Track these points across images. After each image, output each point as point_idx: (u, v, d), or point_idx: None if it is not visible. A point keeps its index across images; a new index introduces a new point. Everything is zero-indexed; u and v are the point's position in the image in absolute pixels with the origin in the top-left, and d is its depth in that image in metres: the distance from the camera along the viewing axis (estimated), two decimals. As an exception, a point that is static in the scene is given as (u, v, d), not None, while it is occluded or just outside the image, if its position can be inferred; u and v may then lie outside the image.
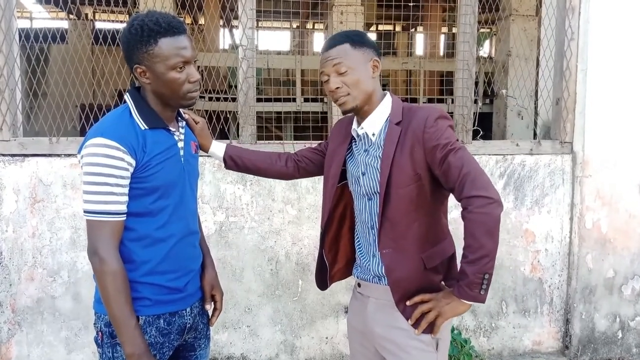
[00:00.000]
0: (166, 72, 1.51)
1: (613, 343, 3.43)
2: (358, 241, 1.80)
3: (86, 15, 11.46)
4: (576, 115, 3.34)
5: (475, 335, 3.36)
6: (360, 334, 1.81)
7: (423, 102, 7.39)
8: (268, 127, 7.04)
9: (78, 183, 2.88)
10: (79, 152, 1.50)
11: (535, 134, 4.09)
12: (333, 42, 1.68)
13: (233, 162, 1.99)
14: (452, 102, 6.36)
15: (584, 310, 3.38)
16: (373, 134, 1.70)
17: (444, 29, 11.06)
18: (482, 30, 10.09)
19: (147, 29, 1.47)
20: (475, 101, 3.49)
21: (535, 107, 3.77)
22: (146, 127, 1.53)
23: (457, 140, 1.62)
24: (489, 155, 3.30)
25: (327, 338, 3.20)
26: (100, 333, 1.59)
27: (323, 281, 1.90)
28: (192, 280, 1.71)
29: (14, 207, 2.90)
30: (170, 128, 1.60)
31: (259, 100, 6.92)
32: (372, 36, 10.99)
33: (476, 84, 6.73)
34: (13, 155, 2.89)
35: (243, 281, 3.14)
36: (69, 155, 2.91)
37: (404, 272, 1.64)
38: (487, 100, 7.23)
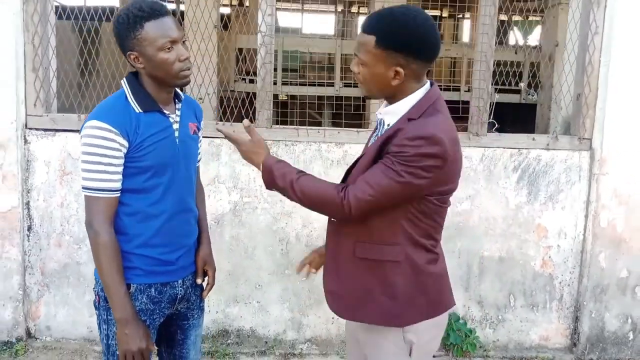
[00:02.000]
0: (156, 53, 1.62)
1: (623, 344, 3.39)
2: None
3: (136, -7, 11.81)
4: (597, 112, 3.29)
5: (481, 326, 3.40)
6: (348, 324, 1.88)
7: (465, 91, 7.27)
8: (306, 111, 7.16)
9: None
10: (80, 132, 1.65)
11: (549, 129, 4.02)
12: (366, 24, 1.57)
13: None
14: (496, 91, 6.26)
15: (594, 308, 3.36)
16: (388, 125, 1.63)
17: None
18: (531, 18, 9.80)
19: (132, 15, 1.59)
20: (496, 90, 3.46)
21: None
22: (140, 110, 1.66)
23: (414, 170, 1.50)
24: (504, 148, 3.29)
25: (333, 318, 3.30)
26: (97, 297, 1.75)
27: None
28: (184, 254, 1.84)
29: (45, 178, 3.13)
30: (165, 110, 1.72)
31: (302, 84, 7.02)
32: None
33: (521, 74, 6.62)
34: (45, 130, 3.11)
35: (254, 259, 3.28)
36: (96, 132, 3.10)
37: (335, 252, 1.69)
38: (534, 91, 7.06)
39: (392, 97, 1.63)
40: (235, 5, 9.43)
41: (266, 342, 3.31)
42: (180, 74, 1.66)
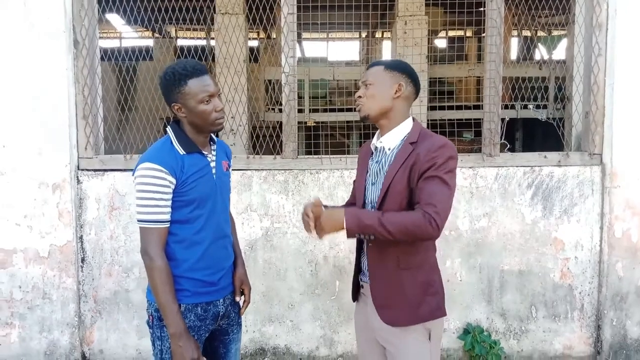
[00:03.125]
0: (197, 105, 1.92)
1: (647, 350, 3.50)
2: (364, 249, 2.06)
3: (169, 33, 12.44)
4: (605, 128, 3.46)
5: (505, 337, 3.55)
6: (364, 330, 2.11)
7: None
8: (334, 135, 7.43)
9: (146, 194, 3.39)
10: (133, 174, 1.94)
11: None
12: (372, 64, 2.03)
13: None
14: (523, 107, 6.38)
15: (614, 317, 3.48)
16: (389, 149, 1.99)
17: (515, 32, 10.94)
18: (555, 33, 9.93)
19: (178, 73, 1.90)
20: (523, 107, 3.64)
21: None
22: (184, 152, 1.95)
23: (451, 173, 1.85)
24: (517, 167, 3.49)
25: (362, 334, 3.52)
26: (151, 317, 2.02)
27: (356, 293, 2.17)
28: (224, 276, 2.10)
29: (96, 214, 3.46)
30: (204, 151, 2.01)
31: (332, 110, 7.27)
32: (442, 42, 11.06)
33: (547, 88, 6.76)
34: (95, 170, 3.45)
35: (286, 280, 3.52)
36: (139, 170, 3.43)
37: (380, 268, 1.93)
38: (561, 106, 7.18)
39: (386, 119, 1.97)
40: (263, 38, 9.88)
41: (300, 359, 3.53)
42: (216, 122, 1.96)
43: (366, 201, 2.03)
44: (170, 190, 1.91)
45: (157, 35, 11.87)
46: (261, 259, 3.50)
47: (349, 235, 1.83)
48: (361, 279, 2.10)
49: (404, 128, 1.99)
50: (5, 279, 3.40)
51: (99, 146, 3.53)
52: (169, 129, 2.00)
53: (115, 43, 12.76)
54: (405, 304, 1.92)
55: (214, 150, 2.09)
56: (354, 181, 2.22)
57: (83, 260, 3.48)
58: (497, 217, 3.50)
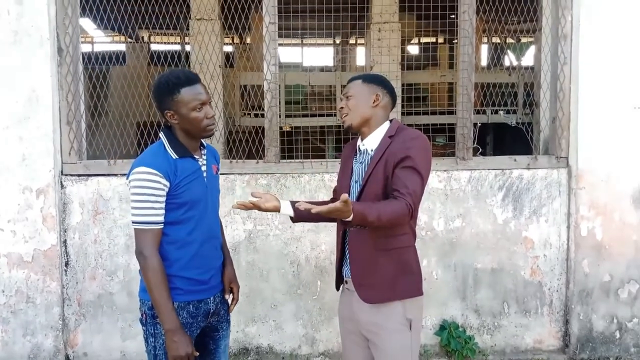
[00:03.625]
0: (189, 113, 2.01)
1: (611, 342, 3.69)
2: (347, 242, 2.19)
3: (142, 38, 12.40)
4: (570, 133, 3.66)
5: (479, 333, 3.71)
6: (348, 321, 2.23)
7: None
8: (310, 140, 7.54)
9: (131, 198, 3.45)
10: (127, 177, 2.02)
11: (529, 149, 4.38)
12: (352, 78, 2.21)
13: (301, 218, 2.29)
14: (493, 113, 6.58)
15: (581, 311, 3.67)
16: (371, 149, 2.15)
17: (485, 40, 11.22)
18: (524, 40, 10.24)
19: (171, 82, 1.99)
20: (494, 112, 3.83)
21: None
22: (176, 157, 2.04)
23: (424, 162, 2.03)
24: (488, 170, 3.66)
25: (343, 332, 3.63)
26: (144, 315, 2.10)
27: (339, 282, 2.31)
28: (214, 275, 2.20)
29: (80, 219, 3.50)
30: (195, 156, 2.11)
31: (304, 115, 7.37)
32: (414, 49, 11.31)
33: (516, 94, 6.99)
34: (79, 175, 3.49)
35: (269, 281, 3.62)
36: (124, 174, 3.48)
37: (359, 251, 2.08)
38: (529, 111, 7.41)
39: (367, 126, 2.15)
40: (238, 44, 9.94)
41: (283, 358, 3.63)
42: (207, 128, 2.06)
43: (353, 196, 2.16)
44: (164, 193, 2.00)
45: (130, 40, 11.82)
46: (244, 260, 3.59)
47: (346, 225, 2.00)
48: (345, 274, 2.22)
49: (383, 129, 2.16)
50: (-11, 283, 3.42)
51: (83, 151, 3.57)
52: (161, 135, 2.09)
53: (87, 48, 12.66)
54: (382, 282, 2.07)
55: (204, 155, 2.18)
56: (337, 179, 2.35)
57: (67, 264, 3.52)
58: (471, 217, 3.67)
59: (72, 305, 3.54)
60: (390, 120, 2.20)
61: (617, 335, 3.69)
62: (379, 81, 2.19)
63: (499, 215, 3.67)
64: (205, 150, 2.20)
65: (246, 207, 2.16)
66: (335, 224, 2.33)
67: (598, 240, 3.64)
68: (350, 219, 1.87)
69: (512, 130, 4.96)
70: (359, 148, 2.21)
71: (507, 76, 7.14)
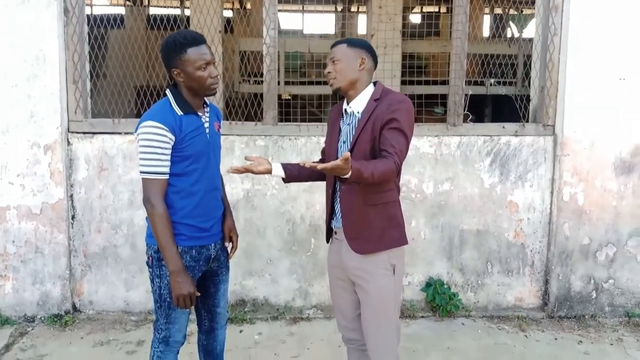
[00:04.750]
0: (194, 71, 2.16)
1: (587, 302, 3.91)
2: (336, 197, 2.34)
3: (141, 1, 12.32)
4: (558, 102, 3.81)
5: (463, 290, 3.92)
6: (337, 268, 2.40)
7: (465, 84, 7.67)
8: (310, 110, 7.63)
9: (134, 155, 3.60)
10: (135, 131, 2.17)
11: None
12: (337, 42, 2.31)
13: (291, 178, 2.44)
14: (491, 84, 6.67)
15: (561, 272, 3.88)
16: (358, 112, 2.28)
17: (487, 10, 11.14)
18: (527, 12, 10.22)
19: (179, 42, 2.13)
20: (468, 83, 3.97)
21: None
22: (181, 113, 2.19)
23: (409, 124, 2.18)
24: (477, 136, 3.82)
25: (335, 287, 3.84)
26: (150, 258, 2.28)
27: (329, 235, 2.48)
28: (215, 224, 2.37)
29: (85, 174, 3.66)
30: (199, 113, 2.26)
31: (302, 83, 7.44)
32: (416, 17, 11.29)
33: (515, 66, 7.05)
34: (84, 133, 3.64)
35: (266, 238, 3.81)
36: (128, 133, 3.64)
37: (350, 206, 2.24)
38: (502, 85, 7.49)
39: (353, 89, 2.27)
40: (237, 9, 9.91)
41: (278, 309, 3.85)
42: (211, 87, 2.20)
43: (339, 157, 2.28)
44: (170, 146, 2.16)
45: (129, 3, 11.77)
46: (242, 218, 3.77)
47: (343, 182, 2.16)
48: (334, 225, 2.38)
49: (368, 92, 2.29)
50: (0, 234, 3.60)
51: (88, 110, 3.71)
52: (168, 92, 2.23)
53: (87, 10, 12.54)
54: (372, 234, 2.24)
55: (207, 112, 2.33)
56: (325, 141, 2.48)
57: (73, 217, 3.70)
58: (459, 181, 3.84)
59: (79, 256, 3.73)
60: (374, 83, 2.32)
61: (594, 295, 3.91)
62: (363, 45, 2.28)
63: (486, 180, 3.84)
64: (208, 108, 2.35)
65: (240, 171, 2.27)
66: (325, 181, 2.47)
67: (579, 206, 3.83)
68: (348, 175, 2.00)
69: (511, 104, 5.08)
70: (346, 111, 2.32)
71: (507, 47, 7.18)
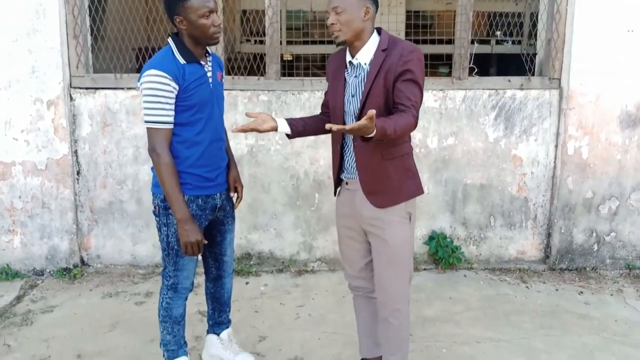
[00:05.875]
0: (197, 19, 2.13)
1: (589, 254, 3.96)
2: (346, 150, 2.33)
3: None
4: (564, 55, 3.76)
5: (466, 243, 3.97)
6: (348, 218, 2.38)
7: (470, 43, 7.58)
8: (310, 69, 7.54)
9: (138, 110, 3.59)
10: (138, 81, 2.17)
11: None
12: None
13: (296, 134, 2.40)
14: (497, 38, 6.57)
15: (563, 225, 3.91)
16: (365, 63, 2.21)
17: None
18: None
19: None
20: (473, 42, 3.92)
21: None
22: (184, 62, 2.17)
23: (421, 73, 2.14)
24: (483, 89, 3.79)
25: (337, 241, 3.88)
26: (157, 207, 2.30)
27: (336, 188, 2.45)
28: (220, 174, 2.39)
29: (89, 130, 3.67)
30: (201, 62, 2.24)
31: (305, 42, 7.35)
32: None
33: (522, 24, 6.94)
34: (87, 88, 3.63)
35: (270, 193, 3.83)
36: (130, 88, 3.62)
37: (367, 162, 2.22)
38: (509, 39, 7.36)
39: (359, 40, 2.18)
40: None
41: (283, 262, 3.90)
42: (214, 35, 2.18)
43: (346, 111, 2.26)
44: (174, 95, 2.15)
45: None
46: (247, 173, 3.78)
47: (367, 142, 2.02)
48: (345, 177, 2.35)
49: (374, 41, 2.21)
50: (6, 189, 3.63)
51: (90, 65, 3.69)
52: (170, 41, 2.21)
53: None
54: (390, 188, 2.23)
55: (209, 62, 2.31)
56: (325, 92, 2.43)
57: (79, 173, 3.72)
58: (463, 136, 3.83)
59: (85, 211, 3.77)
60: (377, 31, 2.23)
61: (595, 247, 3.95)
62: None
63: (490, 134, 3.83)
64: (211, 58, 2.34)
65: (245, 130, 2.22)
66: (329, 136, 2.41)
67: (583, 159, 3.82)
68: (373, 134, 1.95)
69: (516, 63, 5.01)
70: (351, 63, 2.24)
71: (514, 5, 7.05)
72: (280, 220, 3.87)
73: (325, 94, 2.45)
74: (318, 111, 3.66)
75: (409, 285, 2.33)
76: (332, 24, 2.16)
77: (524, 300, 3.45)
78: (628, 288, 3.66)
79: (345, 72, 2.28)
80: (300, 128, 2.41)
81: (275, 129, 2.29)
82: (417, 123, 2.11)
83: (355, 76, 2.24)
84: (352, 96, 2.24)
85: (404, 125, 2.05)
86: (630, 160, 3.83)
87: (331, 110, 2.35)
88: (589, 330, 3.09)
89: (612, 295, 3.56)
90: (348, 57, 2.26)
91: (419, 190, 2.32)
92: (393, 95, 2.13)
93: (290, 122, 2.38)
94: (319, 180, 3.84)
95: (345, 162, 2.34)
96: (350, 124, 2.07)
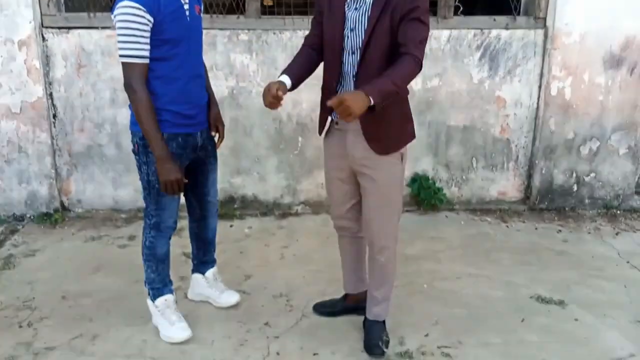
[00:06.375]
0: None
1: (568, 195, 4.01)
2: (338, 89, 2.22)
3: None
4: (550, -7, 3.69)
5: (448, 185, 3.99)
6: (337, 158, 2.31)
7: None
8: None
9: (114, 51, 3.46)
10: (112, 12, 2.07)
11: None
12: None
13: (298, 83, 2.24)
14: None
15: (544, 166, 3.94)
16: None
17: None
18: None
19: None
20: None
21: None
22: (160, -7, 2.08)
23: (427, 12, 2.04)
24: (468, 29, 3.72)
25: (321, 184, 3.86)
26: (136, 145, 2.26)
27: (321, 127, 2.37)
28: (200, 112, 2.34)
29: (64, 72, 3.55)
30: (178, -6, 2.15)
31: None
32: None
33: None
34: (60, 28, 3.48)
35: (253, 137, 3.79)
36: (105, 27, 3.48)
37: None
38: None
39: None
40: None
41: (267, 206, 3.90)
42: None
43: (345, 47, 2.13)
44: (149, 28, 2.07)
45: None
46: (228, 116, 3.71)
47: (373, 109, 1.94)
48: (335, 117, 2.25)
49: None
50: (-20, 134, 3.54)
51: (61, 3, 3.53)
52: (144, -31, 2.10)
53: None
54: (392, 133, 2.19)
55: (186, -6, 2.21)
56: (315, 23, 2.28)
57: (55, 116, 3.62)
58: (448, 77, 3.79)
59: (63, 155, 3.70)
60: None
61: (575, 188, 4.00)
62: None
63: (474, 75, 3.79)
64: (188, -11, 2.24)
65: (275, 104, 2.08)
66: (312, 78, 2.30)
67: (566, 100, 3.82)
68: (372, 103, 1.88)
69: (501, 5, 4.91)
70: None
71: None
72: (263, 164, 3.85)
73: (315, 25, 2.28)
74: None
75: (398, 223, 2.34)
76: None
77: (503, 239, 3.51)
78: (605, 227, 3.74)
79: (345, 6, 2.12)
80: (297, 79, 2.24)
81: (285, 89, 2.14)
82: (421, 66, 2.02)
83: (356, 8, 2.11)
84: (351, 30, 2.11)
85: (405, 74, 1.99)
86: (612, 101, 3.83)
87: (326, 45, 2.20)
88: (567, 266, 3.17)
89: (589, 233, 3.64)
90: None
91: (414, 134, 2.31)
92: (397, 34, 2.03)
93: (289, 74, 2.20)
94: (302, 124, 3.79)
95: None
96: (348, 68, 2.10)
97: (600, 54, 3.74)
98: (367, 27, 2.06)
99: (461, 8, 3.78)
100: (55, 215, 3.67)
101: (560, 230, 3.66)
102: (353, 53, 2.13)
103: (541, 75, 3.82)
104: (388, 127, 2.17)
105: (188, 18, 2.20)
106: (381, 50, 2.06)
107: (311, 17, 3.50)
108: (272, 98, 2.06)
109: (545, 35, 3.75)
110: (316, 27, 2.28)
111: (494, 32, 3.74)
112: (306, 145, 3.83)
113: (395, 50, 2.04)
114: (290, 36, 3.63)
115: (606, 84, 3.80)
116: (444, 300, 2.79)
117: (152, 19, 2.06)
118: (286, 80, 2.17)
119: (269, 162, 3.85)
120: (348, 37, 2.12)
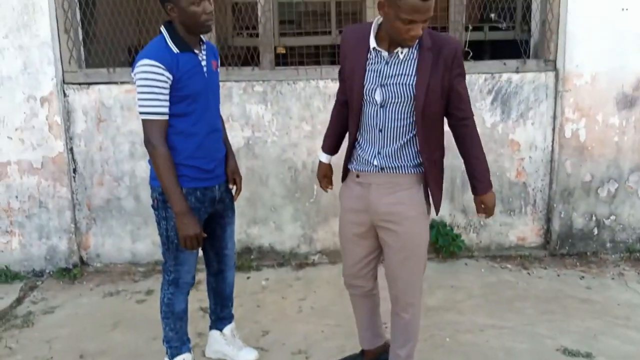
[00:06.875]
0: (188, 6, 2.10)
1: (589, 239, 3.94)
2: (360, 141, 2.21)
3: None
4: (559, 36, 3.73)
5: (466, 231, 3.95)
6: (356, 213, 2.24)
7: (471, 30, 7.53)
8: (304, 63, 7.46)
9: (133, 105, 3.55)
10: (132, 71, 2.13)
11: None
12: None
13: (336, 150, 2.55)
14: (490, 29, 6.57)
15: (563, 209, 3.89)
16: (402, 53, 2.06)
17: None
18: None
19: None
20: (467, 29, 3.89)
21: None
22: (178, 51, 2.14)
23: None
24: (479, 74, 3.76)
25: (337, 233, 3.85)
26: (155, 200, 2.28)
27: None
28: (218, 165, 2.37)
29: (84, 126, 3.63)
30: (195, 51, 2.21)
31: (299, 34, 7.30)
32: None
33: (515, 9, 6.90)
34: (80, 84, 3.59)
35: (268, 186, 3.81)
36: (124, 82, 3.58)
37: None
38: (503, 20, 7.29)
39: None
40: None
41: (283, 256, 3.88)
42: (205, 23, 2.15)
43: (367, 99, 2.12)
44: (168, 85, 2.12)
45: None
46: (244, 166, 3.75)
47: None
48: (356, 169, 2.25)
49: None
50: (2, 189, 3.60)
51: (82, 60, 3.65)
52: (162, 29, 2.18)
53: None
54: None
55: (204, 50, 2.28)
56: (339, 72, 2.28)
57: (75, 170, 3.68)
58: (461, 122, 3.80)
59: (83, 209, 3.74)
60: None
61: (595, 231, 3.94)
62: None
63: (487, 119, 3.81)
64: (205, 46, 2.30)
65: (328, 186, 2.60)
66: (325, 126, 2.53)
67: (581, 142, 3.80)
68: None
69: (509, 49, 4.98)
70: (379, 50, 2.07)
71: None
72: (279, 213, 3.85)
73: (341, 79, 2.28)
74: (314, 101, 3.68)
75: (422, 278, 2.30)
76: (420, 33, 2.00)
77: (525, 287, 3.44)
78: (629, 271, 3.66)
79: (368, 58, 2.11)
80: (334, 144, 2.54)
81: (330, 168, 2.57)
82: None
83: (387, 62, 2.09)
84: (382, 86, 2.10)
85: (480, 143, 2.33)
86: (627, 141, 3.81)
87: (349, 92, 2.20)
88: (592, 315, 3.08)
89: (613, 279, 3.56)
90: (372, 43, 2.08)
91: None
92: (450, 96, 2.14)
93: (327, 148, 2.55)
94: (316, 171, 3.80)
95: (359, 153, 2.23)
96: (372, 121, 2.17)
97: (612, 95, 3.75)
98: (417, 93, 2.06)
99: (471, 53, 3.84)
100: (74, 271, 3.68)
101: (583, 277, 3.58)
102: (382, 107, 2.12)
103: (554, 117, 3.82)
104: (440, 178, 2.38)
105: (206, 74, 2.25)
106: (432, 114, 2.17)
107: (323, 66, 3.62)
108: (324, 180, 2.62)
109: (556, 78, 3.77)
110: (342, 81, 2.30)
111: (505, 76, 3.78)
112: (322, 193, 3.82)
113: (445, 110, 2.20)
114: (304, 86, 3.70)
115: (620, 124, 3.79)
116: (467, 355, 2.71)
117: (171, 77, 2.12)
118: (324, 158, 2.58)
119: (285, 211, 3.85)
120: (376, 92, 2.10)
